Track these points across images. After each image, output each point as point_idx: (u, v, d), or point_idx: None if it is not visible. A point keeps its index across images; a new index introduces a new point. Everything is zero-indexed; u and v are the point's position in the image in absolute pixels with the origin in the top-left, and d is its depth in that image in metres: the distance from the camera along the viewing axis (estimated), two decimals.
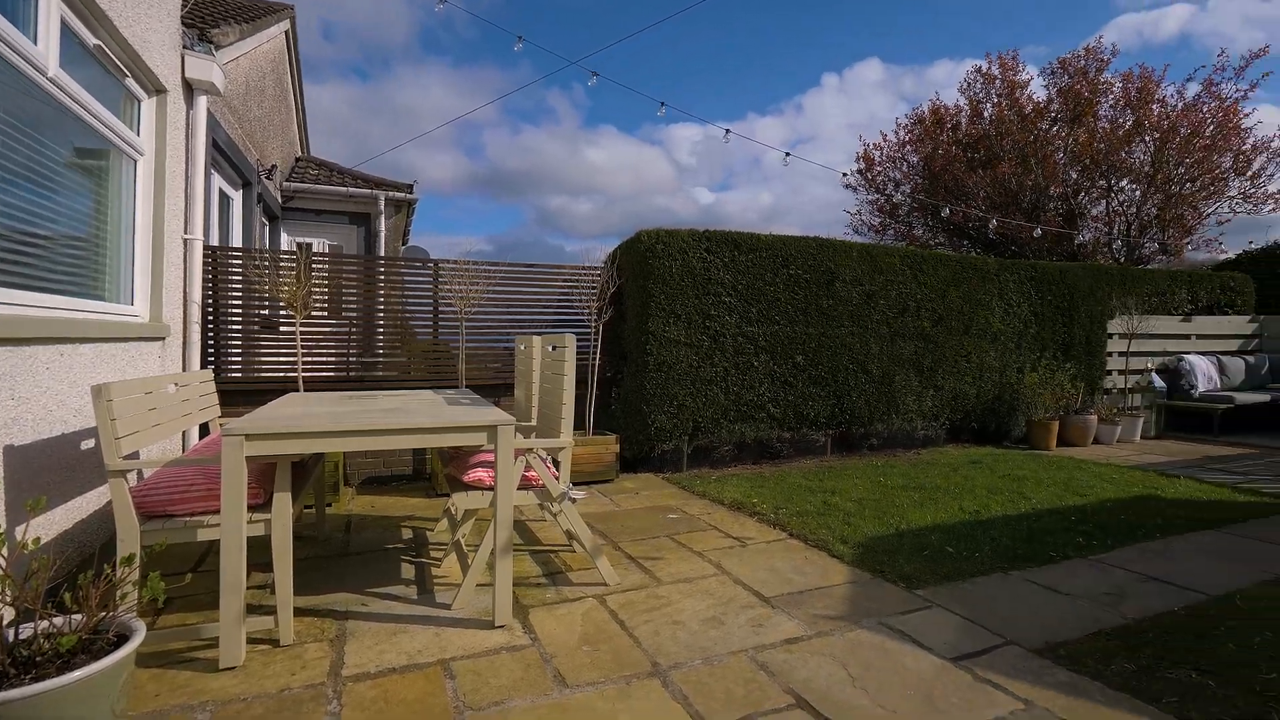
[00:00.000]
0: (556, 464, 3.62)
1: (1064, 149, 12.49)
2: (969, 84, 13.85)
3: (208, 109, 5.28)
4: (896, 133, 14.76)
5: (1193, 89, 12.04)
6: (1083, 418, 8.03)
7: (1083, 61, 12.66)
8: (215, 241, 6.34)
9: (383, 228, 9.40)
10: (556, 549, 4.03)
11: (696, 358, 6.16)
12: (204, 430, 5.12)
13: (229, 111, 6.52)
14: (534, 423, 4.11)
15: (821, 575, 3.59)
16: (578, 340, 6.44)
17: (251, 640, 2.76)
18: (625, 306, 6.41)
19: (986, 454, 7.24)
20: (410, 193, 9.86)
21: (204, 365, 5.29)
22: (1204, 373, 9.08)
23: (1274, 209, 11.91)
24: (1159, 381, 9.12)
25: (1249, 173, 11.87)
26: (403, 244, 11.76)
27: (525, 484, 3.41)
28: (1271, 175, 11.80)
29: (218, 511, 2.73)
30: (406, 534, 4.35)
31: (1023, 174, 12.43)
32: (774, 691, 2.45)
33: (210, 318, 5.41)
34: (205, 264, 5.32)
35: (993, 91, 13.43)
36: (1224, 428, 8.82)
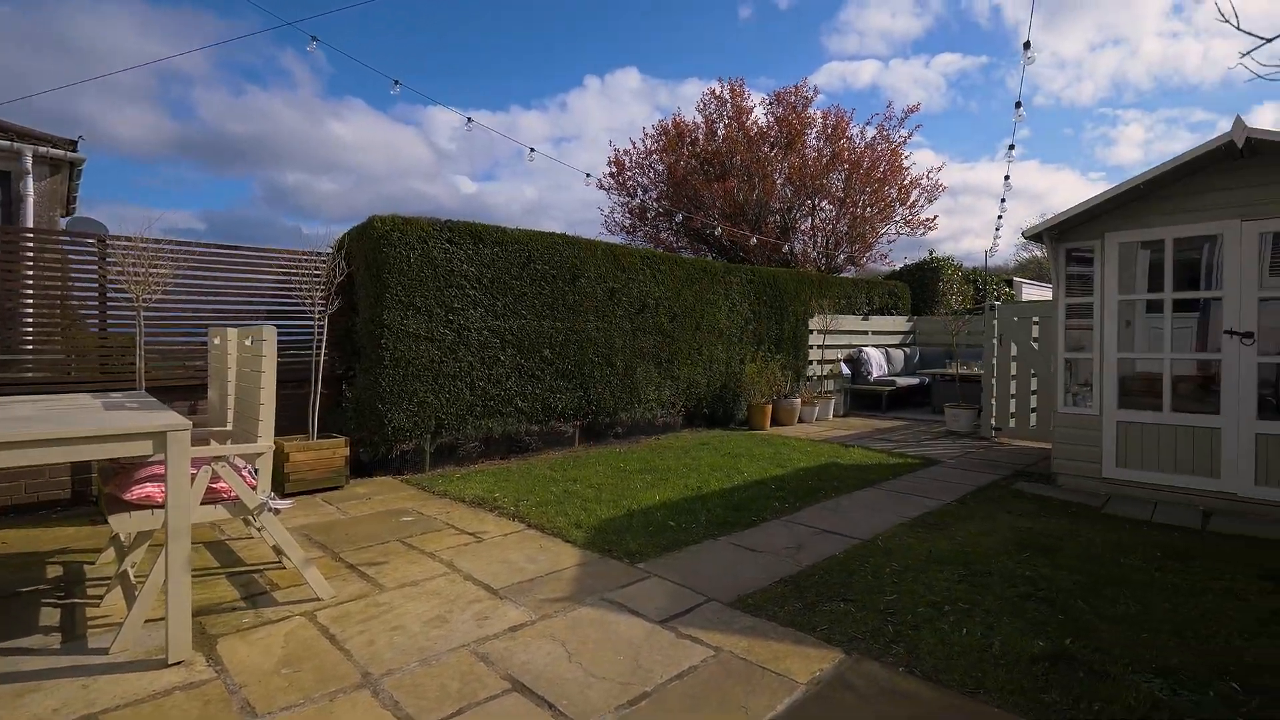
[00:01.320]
0: (258, 472, 3.21)
1: (781, 171, 14.54)
2: (705, 104, 15.50)
3: None
4: (644, 141, 15.95)
5: (871, 131, 14.93)
6: (791, 401, 9.39)
7: (793, 98, 14.95)
8: None
9: (30, 191, 7.44)
10: (263, 567, 3.58)
11: (439, 352, 5.94)
12: None
13: None
14: (229, 426, 3.59)
15: (553, 561, 3.69)
16: (301, 334, 5.84)
17: None
18: (357, 297, 5.93)
19: (714, 436, 8.10)
20: (73, 150, 7.97)
21: None
22: (877, 362, 11.19)
23: (925, 233, 15.28)
24: (846, 369, 11.04)
25: (908, 202, 15.09)
26: (65, 214, 9.50)
27: (213, 497, 2.97)
28: (923, 206, 15.18)
29: None
30: (54, 571, 3.52)
31: (748, 190, 14.23)
32: (491, 680, 2.45)
33: None
34: None
35: (724, 113, 15.18)
36: (890, 405, 11.00)
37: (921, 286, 13.99)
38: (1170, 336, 5.08)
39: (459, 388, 6.10)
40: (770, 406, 9.08)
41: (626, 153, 15.94)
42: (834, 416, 10.34)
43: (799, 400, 9.54)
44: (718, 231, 12.91)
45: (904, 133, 14.93)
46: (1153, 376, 5.24)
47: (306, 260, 5.69)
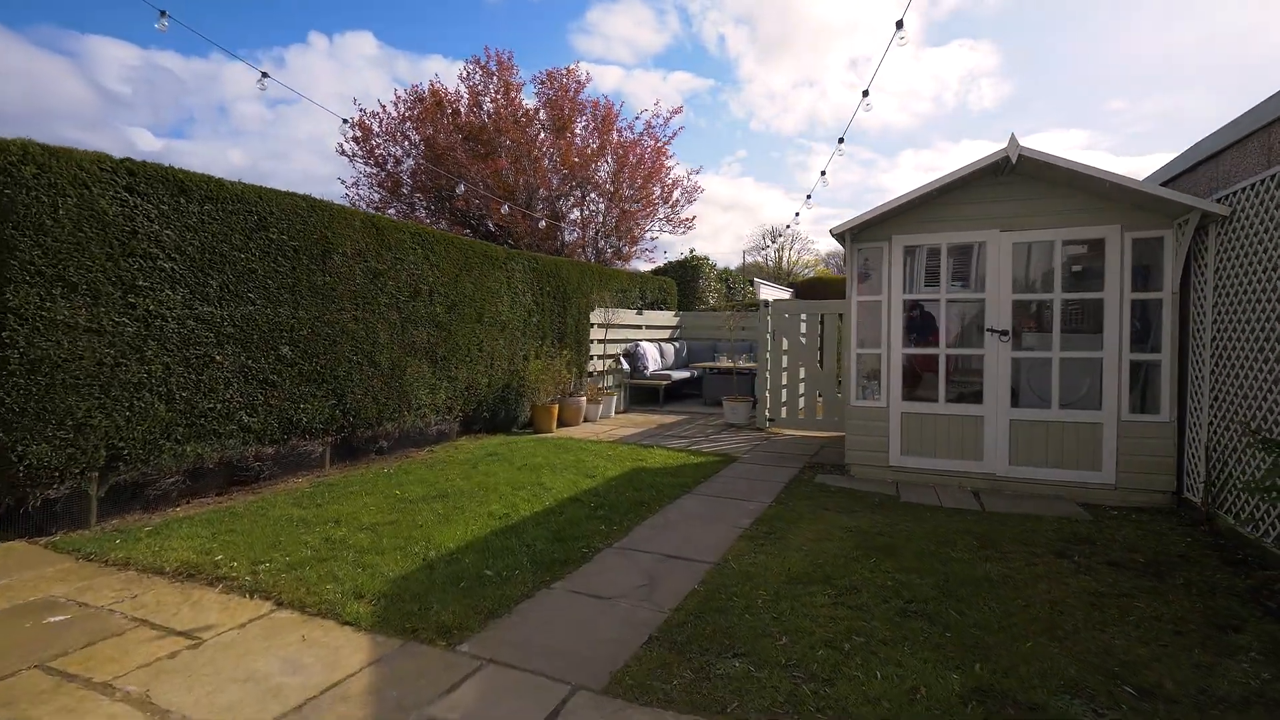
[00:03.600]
0: None
1: (550, 156, 13.84)
2: (469, 74, 14.04)
3: None
4: (397, 105, 13.87)
5: (640, 126, 14.94)
6: (576, 400, 8.77)
7: (565, 79, 14.31)
8: None
9: None
10: None
11: (112, 351, 4.06)
12: None
13: None
14: None
15: (330, 664, 2.49)
16: None
17: None
18: None
19: (500, 444, 7.11)
20: None
21: None
22: (653, 356, 11.13)
23: (685, 231, 15.89)
24: (625, 364, 10.79)
25: (671, 201, 15.51)
26: None
27: None
28: (684, 206, 15.72)
29: None
30: None
31: (517, 172, 13.25)
32: None
33: None
34: None
35: (491, 86, 13.93)
36: (666, 398, 11.03)
37: (684, 283, 14.48)
38: (945, 331, 5.51)
39: (148, 401, 4.26)
40: (557, 407, 8.35)
41: (375, 115, 13.70)
42: (616, 413, 10.00)
43: (584, 398, 8.97)
44: (504, 209, 11.69)
45: (669, 133, 15.29)
46: (920, 371, 5.67)
47: None
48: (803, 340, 8.53)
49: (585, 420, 8.99)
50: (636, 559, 3.68)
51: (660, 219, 15.74)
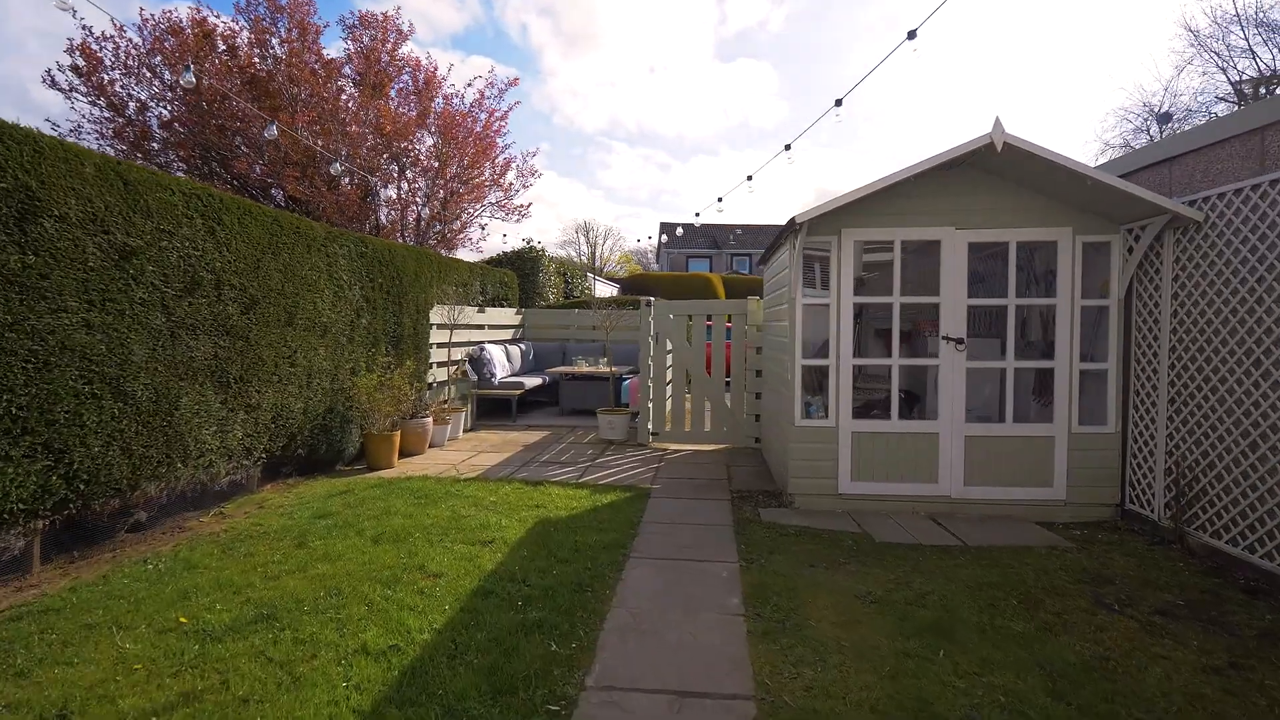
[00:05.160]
0: None
1: (365, 120, 11.30)
2: (251, 3, 10.82)
3: None
4: (142, 31, 10.20)
5: (470, 95, 12.82)
6: (421, 421, 6.94)
7: (385, 26, 11.69)
8: None
9: None
10: None
11: None
12: None
13: None
14: None
15: None
16: None
17: None
18: None
19: (329, 493, 5.16)
20: None
21: None
22: (500, 361, 9.50)
23: (519, 219, 14.23)
24: (471, 371, 9.05)
25: (504, 185, 13.71)
26: None
27: None
28: (518, 191, 13.98)
29: None
30: None
31: (316, 135, 10.53)
32: None
33: None
34: None
35: (281, 25, 10.89)
36: (519, 410, 9.47)
37: (523, 276, 12.91)
38: (898, 340, 4.86)
39: None
40: (397, 433, 6.48)
41: (108, 40, 9.94)
42: (464, 432, 8.29)
43: (429, 419, 7.16)
44: (341, 172, 8.82)
45: (504, 106, 13.41)
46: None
47: None
48: (689, 344, 7.62)
49: (432, 445, 7.20)
50: (638, 709, 2.35)
51: (491, 204, 13.89)
